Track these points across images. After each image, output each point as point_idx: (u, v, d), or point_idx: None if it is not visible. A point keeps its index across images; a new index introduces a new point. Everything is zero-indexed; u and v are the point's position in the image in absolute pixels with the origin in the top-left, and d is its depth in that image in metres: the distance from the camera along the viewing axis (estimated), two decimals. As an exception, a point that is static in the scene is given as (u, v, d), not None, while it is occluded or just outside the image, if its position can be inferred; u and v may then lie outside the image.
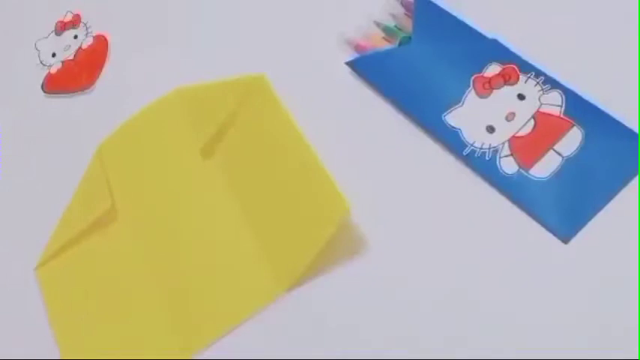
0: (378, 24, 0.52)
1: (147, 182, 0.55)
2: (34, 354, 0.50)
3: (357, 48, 0.52)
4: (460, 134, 0.46)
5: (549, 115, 0.45)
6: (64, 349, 0.50)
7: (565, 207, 0.42)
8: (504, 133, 0.45)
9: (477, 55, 0.48)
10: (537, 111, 0.45)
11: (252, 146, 0.51)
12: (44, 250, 0.55)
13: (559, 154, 0.44)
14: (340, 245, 0.45)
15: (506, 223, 0.43)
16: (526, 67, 0.47)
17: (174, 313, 0.48)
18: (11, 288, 0.55)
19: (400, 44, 0.50)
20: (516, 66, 0.47)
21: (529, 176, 0.44)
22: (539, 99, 0.46)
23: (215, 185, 0.51)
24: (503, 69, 0.47)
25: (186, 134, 0.54)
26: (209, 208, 0.51)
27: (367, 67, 0.51)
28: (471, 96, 0.47)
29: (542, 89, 0.46)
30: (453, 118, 0.47)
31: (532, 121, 0.45)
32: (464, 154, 0.46)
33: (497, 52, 0.48)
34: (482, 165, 0.45)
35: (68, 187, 0.57)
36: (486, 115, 0.46)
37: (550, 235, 0.42)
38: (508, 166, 0.44)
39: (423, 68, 0.49)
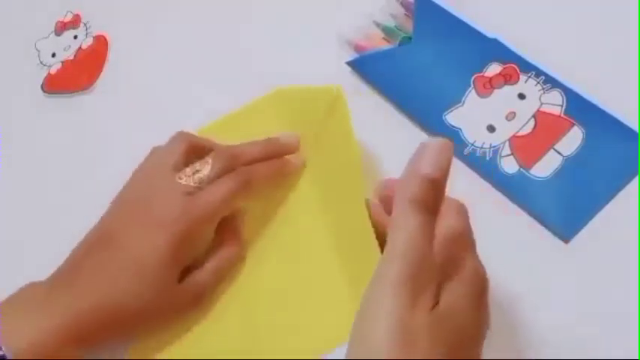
0: (378, 24, 0.52)
1: None
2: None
3: (357, 48, 0.52)
4: (461, 134, 0.46)
5: (550, 114, 0.45)
6: None
7: (565, 206, 0.42)
8: (505, 132, 0.45)
9: (477, 55, 0.48)
10: (538, 110, 0.45)
11: (328, 159, 0.47)
12: None
13: (559, 153, 0.44)
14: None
15: (507, 223, 0.43)
16: (526, 67, 0.47)
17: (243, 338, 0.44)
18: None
19: (400, 44, 0.50)
20: (517, 65, 0.47)
21: (530, 176, 0.44)
22: (539, 98, 0.46)
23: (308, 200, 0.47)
24: (504, 68, 0.47)
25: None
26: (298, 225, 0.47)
27: (367, 67, 0.51)
28: (471, 95, 0.47)
29: (543, 89, 0.46)
30: (454, 117, 0.47)
31: (532, 121, 0.45)
32: (464, 153, 0.46)
33: (498, 51, 0.48)
34: (483, 164, 0.45)
35: (68, 187, 0.57)
36: (487, 115, 0.46)
37: (551, 235, 0.42)
38: (509, 165, 0.44)
39: (423, 68, 0.49)
